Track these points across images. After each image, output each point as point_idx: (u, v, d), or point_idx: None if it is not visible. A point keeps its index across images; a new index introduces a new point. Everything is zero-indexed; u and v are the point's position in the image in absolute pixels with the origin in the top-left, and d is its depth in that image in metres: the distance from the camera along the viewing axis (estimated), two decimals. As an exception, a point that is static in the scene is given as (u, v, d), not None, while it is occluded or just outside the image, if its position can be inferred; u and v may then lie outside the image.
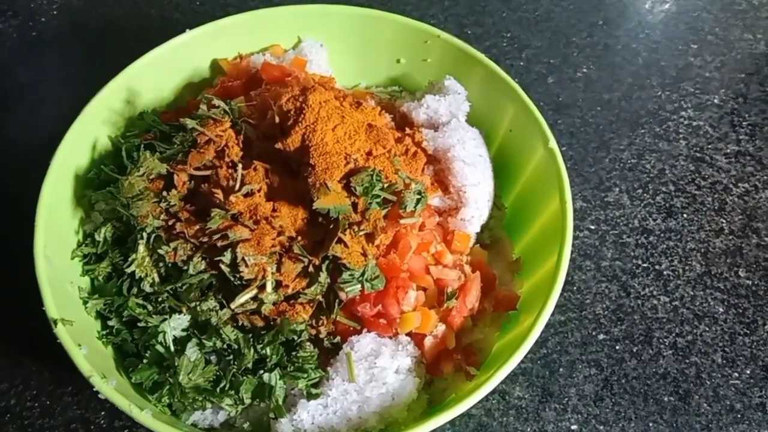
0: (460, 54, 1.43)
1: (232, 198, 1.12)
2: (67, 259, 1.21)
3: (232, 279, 1.11)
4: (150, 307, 1.15)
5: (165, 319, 1.12)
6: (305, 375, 1.09)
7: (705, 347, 1.38)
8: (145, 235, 1.16)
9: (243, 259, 1.10)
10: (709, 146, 1.68)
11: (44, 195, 1.18)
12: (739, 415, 1.30)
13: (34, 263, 1.11)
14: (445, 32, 1.45)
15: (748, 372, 1.35)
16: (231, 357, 1.11)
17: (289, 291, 1.12)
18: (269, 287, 1.10)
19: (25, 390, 1.28)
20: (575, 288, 1.44)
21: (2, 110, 1.66)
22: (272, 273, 1.11)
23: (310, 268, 1.13)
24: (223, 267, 1.11)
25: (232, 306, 1.11)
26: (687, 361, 1.36)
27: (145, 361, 1.12)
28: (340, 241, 1.12)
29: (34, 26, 1.82)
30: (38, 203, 1.17)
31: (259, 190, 1.15)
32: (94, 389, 1.03)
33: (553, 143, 1.27)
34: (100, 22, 1.84)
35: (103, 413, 1.26)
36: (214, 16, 1.46)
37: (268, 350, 1.10)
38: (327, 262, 1.13)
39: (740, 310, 1.43)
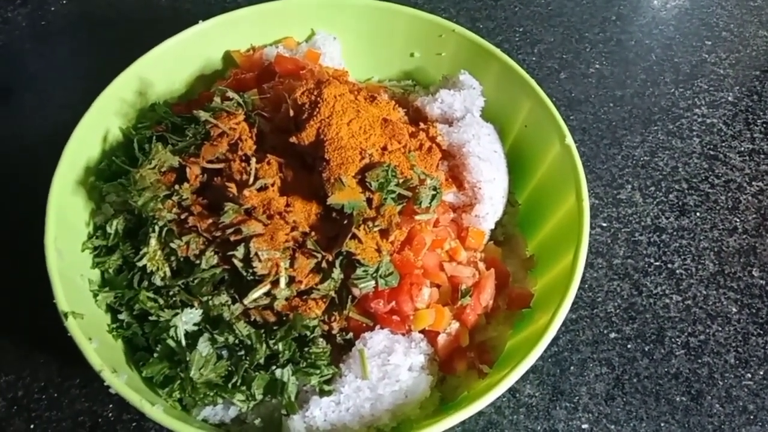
0: (475, 48, 1.41)
1: (246, 192, 1.11)
2: (78, 252, 1.20)
3: (245, 274, 1.10)
4: (161, 301, 1.14)
5: (177, 314, 1.10)
6: (318, 371, 1.09)
7: (718, 347, 1.37)
8: (156, 228, 1.15)
9: (256, 253, 1.09)
10: (723, 144, 1.67)
11: (55, 186, 1.17)
12: (752, 417, 1.29)
13: (45, 255, 1.10)
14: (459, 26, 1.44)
15: (762, 373, 1.34)
16: (243, 352, 1.10)
17: (302, 287, 1.11)
18: (283, 283, 1.09)
19: (33, 382, 1.27)
20: (587, 286, 1.43)
21: (12, 100, 1.65)
22: (285, 268, 1.10)
23: (324, 264, 1.12)
24: (235, 262, 1.10)
25: (246, 302, 1.10)
26: (699, 361, 1.35)
27: (155, 355, 1.11)
28: (354, 236, 1.11)
29: (43, 15, 1.81)
30: (49, 194, 1.16)
31: (272, 185, 1.14)
32: (104, 383, 1.02)
33: (569, 139, 1.26)
34: (110, 11, 1.83)
35: (111, 406, 1.25)
36: (225, 8, 1.45)
37: (280, 346, 1.09)
38: (341, 258, 1.12)
39: (754, 310, 1.42)
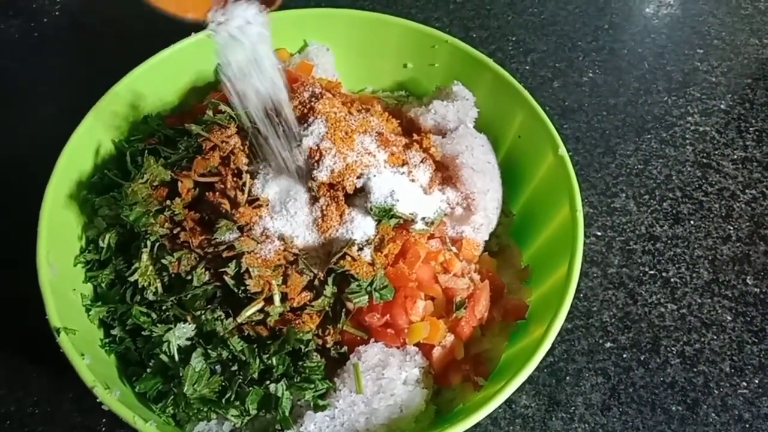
0: (468, 59, 1.41)
1: (240, 209, 1.10)
2: (70, 266, 1.19)
3: (237, 291, 1.10)
4: (154, 316, 1.13)
5: (170, 328, 1.10)
6: (312, 386, 1.08)
7: (713, 356, 1.37)
8: (148, 243, 1.14)
9: (247, 270, 1.09)
10: (716, 152, 1.67)
11: (47, 200, 1.17)
12: (747, 425, 1.29)
13: (37, 269, 1.10)
14: (452, 37, 1.43)
15: (757, 381, 1.34)
16: (236, 367, 1.10)
17: (295, 304, 1.11)
18: (277, 300, 1.09)
19: (26, 396, 1.26)
20: (582, 295, 1.43)
21: (4, 112, 1.64)
22: (278, 285, 1.10)
23: (316, 282, 1.12)
24: (227, 279, 1.10)
25: (239, 319, 1.09)
26: (695, 369, 1.35)
27: (149, 370, 1.10)
28: (345, 256, 1.11)
29: (35, 27, 1.80)
30: (41, 208, 1.16)
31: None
32: (98, 398, 1.01)
33: (563, 150, 1.26)
34: (103, 23, 1.82)
35: (104, 420, 1.24)
36: (218, 19, 1.44)
37: (274, 360, 1.08)
38: (333, 274, 1.12)
39: (748, 318, 1.42)
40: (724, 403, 1.31)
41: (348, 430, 1.07)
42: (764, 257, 1.51)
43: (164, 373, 1.10)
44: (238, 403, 1.07)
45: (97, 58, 1.72)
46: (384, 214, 1.15)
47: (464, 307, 1.17)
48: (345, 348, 1.14)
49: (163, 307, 1.13)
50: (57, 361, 1.05)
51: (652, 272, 1.47)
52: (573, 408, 1.29)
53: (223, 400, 1.07)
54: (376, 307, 1.12)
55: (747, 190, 1.61)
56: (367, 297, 1.11)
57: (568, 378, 1.33)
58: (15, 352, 1.30)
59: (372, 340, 1.14)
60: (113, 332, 1.16)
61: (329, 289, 1.11)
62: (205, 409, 1.07)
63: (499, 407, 1.26)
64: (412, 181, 1.21)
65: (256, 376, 1.09)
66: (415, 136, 1.31)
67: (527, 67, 1.80)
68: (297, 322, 1.10)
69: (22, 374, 1.28)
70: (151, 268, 1.14)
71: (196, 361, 1.07)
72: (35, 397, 1.26)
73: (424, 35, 1.44)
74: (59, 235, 1.18)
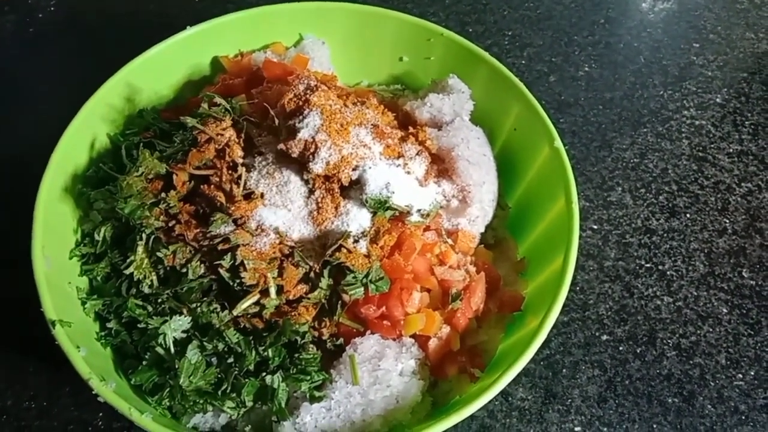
0: (463, 52, 1.41)
1: (236, 202, 1.10)
2: (66, 259, 1.19)
3: (232, 284, 1.10)
4: (150, 308, 1.13)
5: (165, 321, 1.10)
6: (308, 377, 1.08)
7: (709, 348, 1.37)
8: (144, 236, 1.14)
9: (242, 263, 1.08)
10: (712, 146, 1.68)
11: (42, 193, 1.16)
12: (743, 417, 1.29)
13: (32, 263, 1.10)
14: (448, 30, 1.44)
15: (753, 373, 1.34)
16: (232, 359, 1.10)
17: (291, 296, 1.11)
18: (272, 292, 1.09)
19: (23, 390, 1.26)
20: (578, 288, 1.43)
21: (1, 111, 1.64)
22: (273, 278, 1.10)
23: (311, 274, 1.12)
24: (222, 272, 1.09)
25: (235, 312, 1.09)
26: (691, 362, 1.35)
27: (144, 362, 1.10)
28: (341, 248, 1.11)
29: (31, 22, 1.80)
30: (36, 201, 1.15)
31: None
32: (93, 391, 1.01)
33: (558, 142, 1.26)
34: (99, 17, 1.83)
35: (101, 414, 1.24)
36: (213, 12, 1.45)
37: (270, 352, 1.09)
38: (329, 267, 1.12)
39: (744, 311, 1.42)
40: (720, 395, 1.32)
41: (344, 421, 1.07)
42: (760, 250, 1.51)
43: (160, 366, 1.10)
44: (234, 395, 1.07)
45: (93, 52, 1.72)
46: (379, 206, 1.15)
47: (460, 298, 1.17)
48: (341, 340, 1.14)
49: (159, 300, 1.13)
50: (54, 357, 1.05)
51: (648, 265, 1.47)
52: (569, 400, 1.30)
53: (219, 392, 1.07)
54: (372, 299, 1.12)
55: (743, 184, 1.61)
56: (362, 289, 1.11)
57: (564, 370, 1.33)
58: (14, 349, 1.30)
59: (368, 331, 1.15)
60: (109, 325, 1.16)
61: (325, 282, 1.11)
62: (201, 401, 1.07)
63: (496, 399, 1.27)
64: (408, 173, 1.21)
65: (252, 368, 1.09)
66: (411, 129, 1.31)
67: (523, 62, 1.80)
68: (293, 314, 1.10)
69: (20, 370, 1.28)
70: (146, 261, 1.14)
71: (192, 353, 1.07)
72: (32, 391, 1.26)
73: (419, 28, 1.45)
74: (54, 228, 1.17)
